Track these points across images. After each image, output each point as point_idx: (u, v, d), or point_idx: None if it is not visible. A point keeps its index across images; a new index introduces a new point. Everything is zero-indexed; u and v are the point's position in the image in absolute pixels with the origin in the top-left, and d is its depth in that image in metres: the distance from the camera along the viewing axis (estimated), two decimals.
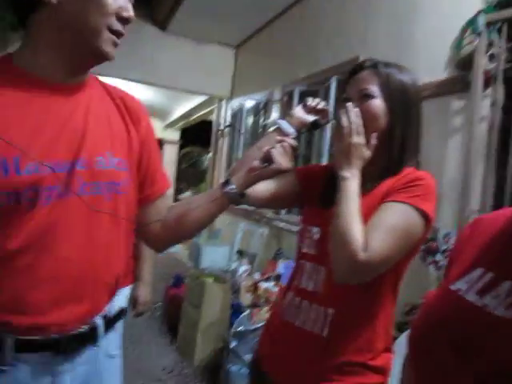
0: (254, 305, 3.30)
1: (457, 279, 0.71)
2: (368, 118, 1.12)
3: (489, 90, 2.22)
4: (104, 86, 1.06)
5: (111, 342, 1.07)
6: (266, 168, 1.13)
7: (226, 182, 1.14)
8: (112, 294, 1.04)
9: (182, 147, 11.93)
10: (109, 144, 0.99)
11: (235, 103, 6.16)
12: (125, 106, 1.06)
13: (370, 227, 1.01)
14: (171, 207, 1.18)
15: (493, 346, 0.56)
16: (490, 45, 2.21)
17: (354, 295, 1.11)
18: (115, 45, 0.94)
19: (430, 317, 0.70)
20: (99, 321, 1.01)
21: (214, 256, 4.45)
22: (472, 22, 2.34)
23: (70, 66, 0.94)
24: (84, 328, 0.97)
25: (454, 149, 2.44)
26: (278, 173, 1.15)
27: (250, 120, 5.91)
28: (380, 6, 3.27)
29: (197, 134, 9.73)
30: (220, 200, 1.13)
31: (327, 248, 1.07)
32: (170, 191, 1.23)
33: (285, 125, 1.31)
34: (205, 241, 5.00)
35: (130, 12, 0.93)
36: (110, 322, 1.05)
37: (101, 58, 0.94)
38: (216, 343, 3.33)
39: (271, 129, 1.41)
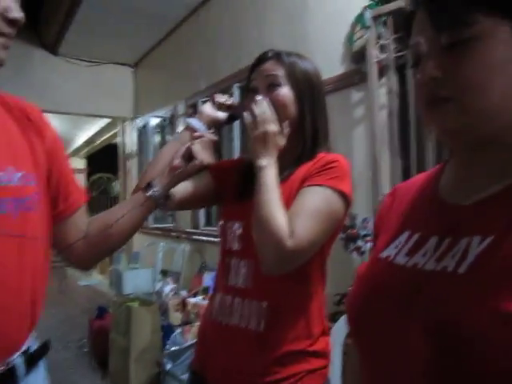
0: (185, 322, 3.21)
1: (385, 247, 0.71)
2: (278, 106, 1.12)
3: (384, 79, 2.33)
4: (1, 96, 0.96)
5: (37, 381, 0.95)
6: (189, 165, 1.10)
7: (149, 185, 1.09)
8: (32, 325, 0.93)
9: (89, 175, 11.47)
10: (9, 158, 0.89)
11: (140, 123, 6.02)
12: (26, 117, 0.98)
13: (292, 214, 1.01)
14: (91, 221, 1.11)
15: (429, 299, 0.56)
16: (379, 37, 2.33)
17: (284, 284, 1.09)
18: (5, 48, 0.85)
19: (365, 286, 0.69)
20: (18, 359, 0.88)
21: (137, 280, 4.28)
22: (360, 18, 2.46)
23: None
24: (0, 368, 0.85)
25: (359, 138, 2.53)
26: (201, 169, 1.14)
27: (157, 138, 5.80)
28: (273, 10, 3.35)
29: (103, 159, 9.40)
30: (145, 205, 1.08)
31: (252, 241, 1.04)
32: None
33: (194, 122, 1.28)
34: (125, 266, 4.80)
35: (16, 13, 0.85)
36: (31, 360, 0.93)
37: None
38: (151, 369, 3.19)
39: (180, 129, 1.39)
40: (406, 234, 0.69)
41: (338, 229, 1.14)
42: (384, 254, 0.70)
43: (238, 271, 1.15)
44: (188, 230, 4.57)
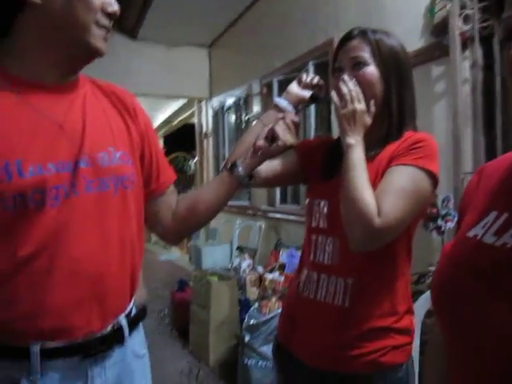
0: (262, 297, 3.30)
1: (472, 226, 0.71)
2: (364, 85, 1.12)
3: (467, 52, 2.23)
4: (96, 83, 1.05)
5: (137, 342, 1.06)
6: (272, 146, 1.13)
7: (233, 165, 1.14)
8: (132, 291, 1.02)
9: (166, 154, 11.88)
10: (110, 139, 0.98)
11: (215, 102, 6.15)
12: (120, 102, 1.05)
13: (379, 192, 1.02)
14: (180, 198, 1.18)
15: None
16: (463, 7, 2.22)
17: (370, 262, 1.11)
18: (105, 40, 0.93)
19: (451, 264, 0.70)
20: (123, 320, 0.99)
21: (215, 256, 4.44)
22: None
23: (61, 66, 0.93)
24: (109, 329, 0.95)
25: (440, 115, 2.45)
26: (284, 149, 1.16)
27: (233, 117, 5.90)
28: None
29: (180, 138, 9.69)
30: (229, 184, 1.13)
31: (338, 219, 1.07)
32: None
33: (282, 102, 1.31)
34: (203, 242, 4.99)
35: (114, 6, 0.93)
36: (133, 322, 1.03)
37: (93, 54, 0.93)
38: (229, 341, 3.33)
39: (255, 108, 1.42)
40: (493, 214, 0.69)
41: (425, 208, 1.14)
42: (471, 233, 0.70)
43: (325, 248, 1.17)
44: (264, 207, 4.65)
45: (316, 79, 1.34)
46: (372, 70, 1.13)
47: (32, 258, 0.84)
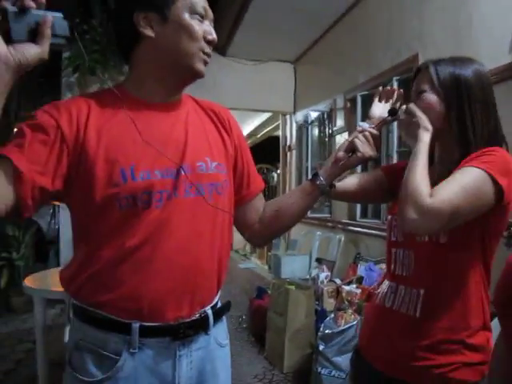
0: (339, 308, 3.34)
1: None
2: (423, 108, 1.21)
3: None
4: (196, 100, 1.22)
5: (220, 332, 1.18)
6: (351, 157, 1.22)
7: (315, 175, 1.24)
8: (219, 285, 1.16)
9: None
10: (207, 150, 1.13)
11: (299, 116, 6.28)
12: (216, 117, 1.21)
13: (444, 182, 1.07)
14: (267, 204, 1.30)
15: None
16: None
17: (442, 272, 1.16)
18: (205, 63, 1.09)
19: None
20: (209, 311, 1.12)
21: (294, 266, 4.53)
22: None
23: (169, 87, 1.10)
24: (197, 316, 1.09)
25: None
26: (363, 161, 1.24)
27: (316, 131, 6.00)
28: None
29: (264, 150, 9.92)
30: (312, 194, 1.23)
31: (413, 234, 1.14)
32: None
33: (365, 126, 1.36)
34: (283, 252, 5.11)
35: (213, 35, 1.09)
36: (218, 313, 1.16)
37: (194, 76, 1.10)
38: (303, 349, 3.40)
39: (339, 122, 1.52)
40: None
41: (495, 220, 1.15)
42: None
43: (403, 261, 1.24)
44: (344, 220, 4.69)
45: (395, 90, 1.41)
46: (428, 95, 1.21)
47: (136, 248, 1.00)
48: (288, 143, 6.76)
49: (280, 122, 7.01)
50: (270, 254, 6.20)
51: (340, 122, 4.95)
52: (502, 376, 0.86)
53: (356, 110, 4.54)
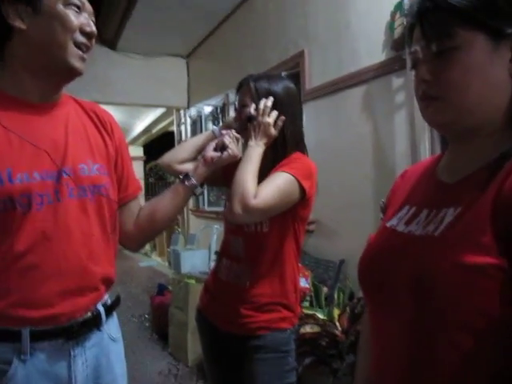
0: None
1: (390, 218, 0.87)
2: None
3: None
4: (77, 102, 1.19)
5: (112, 327, 1.20)
6: (223, 155, 1.36)
7: (186, 176, 1.32)
8: (109, 284, 1.17)
9: (146, 162, 11.95)
10: (89, 152, 1.12)
11: (193, 111, 6.28)
12: (98, 119, 1.20)
13: (262, 184, 1.35)
14: (140, 209, 1.32)
15: (412, 258, 0.72)
16: None
17: (265, 255, 1.47)
18: (83, 59, 1.06)
19: (372, 250, 0.86)
20: (101, 308, 1.13)
21: (193, 260, 4.54)
22: (399, 6, 2.55)
23: (46, 86, 1.07)
24: (89, 315, 1.09)
25: (400, 123, 2.63)
26: (233, 158, 1.40)
27: (210, 125, 6.04)
28: None
29: (159, 147, 9.77)
30: (183, 194, 1.31)
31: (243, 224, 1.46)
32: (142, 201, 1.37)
33: (216, 130, 1.66)
34: (182, 247, 5.10)
35: (92, 27, 1.06)
36: (109, 309, 1.18)
37: (70, 73, 1.06)
38: None
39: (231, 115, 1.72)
40: (407, 207, 0.85)
41: (302, 211, 1.47)
42: (389, 224, 0.86)
43: (234, 244, 1.54)
44: None
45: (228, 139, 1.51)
46: (248, 110, 1.48)
47: (22, 255, 0.98)
48: (183, 138, 6.73)
49: (174, 117, 6.96)
50: (169, 250, 6.16)
51: (233, 115, 5.01)
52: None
53: None
